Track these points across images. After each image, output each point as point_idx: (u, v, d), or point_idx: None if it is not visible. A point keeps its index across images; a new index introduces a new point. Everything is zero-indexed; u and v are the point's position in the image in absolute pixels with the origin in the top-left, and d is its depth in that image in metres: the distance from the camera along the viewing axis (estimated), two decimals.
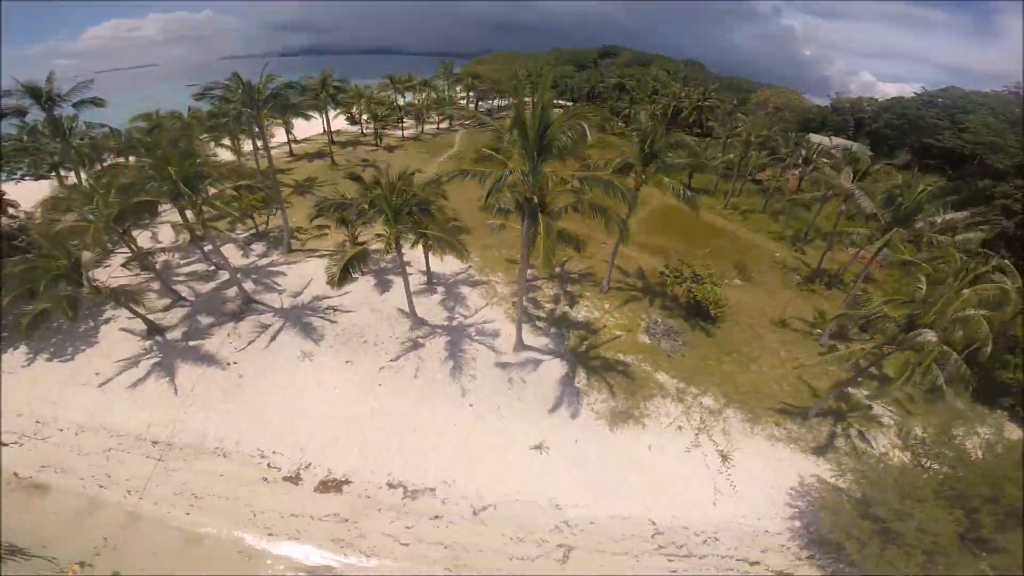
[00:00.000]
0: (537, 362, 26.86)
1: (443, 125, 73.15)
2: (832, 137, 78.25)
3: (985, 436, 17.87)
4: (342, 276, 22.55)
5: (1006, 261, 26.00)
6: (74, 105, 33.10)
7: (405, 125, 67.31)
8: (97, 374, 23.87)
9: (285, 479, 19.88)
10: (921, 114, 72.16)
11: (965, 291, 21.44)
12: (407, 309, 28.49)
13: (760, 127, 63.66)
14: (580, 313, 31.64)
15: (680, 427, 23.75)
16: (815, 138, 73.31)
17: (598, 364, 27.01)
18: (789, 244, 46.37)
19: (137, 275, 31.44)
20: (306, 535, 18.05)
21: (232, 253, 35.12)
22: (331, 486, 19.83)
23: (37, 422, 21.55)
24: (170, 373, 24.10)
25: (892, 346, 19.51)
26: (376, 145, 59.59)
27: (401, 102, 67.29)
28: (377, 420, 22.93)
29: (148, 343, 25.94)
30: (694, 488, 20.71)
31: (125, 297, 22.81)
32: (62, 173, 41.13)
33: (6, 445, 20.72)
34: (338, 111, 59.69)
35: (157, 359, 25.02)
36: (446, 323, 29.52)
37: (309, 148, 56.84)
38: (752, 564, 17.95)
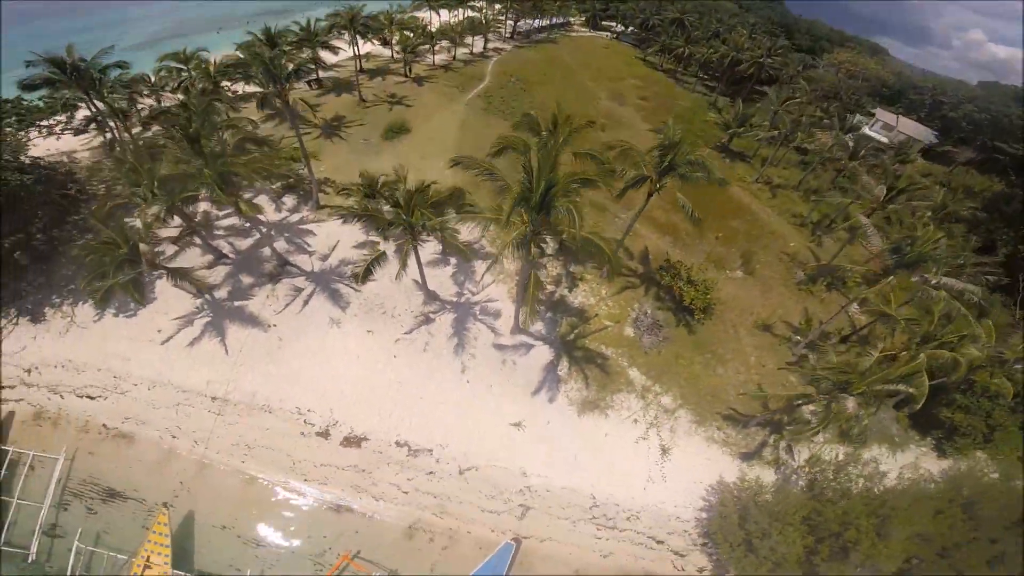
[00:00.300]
0: (529, 347, 32.05)
1: (476, 50, 71.07)
2: (900, 116, 73.19)
3: (871, 476, 22.80)
4: (365, 274, 27.31)
5: (988, 322, 28.49)
6: (100, 71, 36.15)
7: (437, 50, 66.09)
8: (159, 331, 30.30)
9: (317, 434, 26.74)
10: (1008, 112, 66.65)
11: (921, 355, 24.91)
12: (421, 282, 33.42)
13: (817, 103, 60.94)
14: (577, 298, 35.93)
15: (636, 420, 29.34)
16: (881, 114, 68.89)
17: (581, 355, 32.06)
18: (809, 231, 47.74)
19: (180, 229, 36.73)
20: (332, 481, 25.22)
21: (266, 204, 39.67)
22: (353, 442, 26.71)
23: (115, 377, 28.38)
24: (220, 333, 30.39)
25: (827, 396, 23.79)
26: (406, 76, 59.77)
27: (436, 22, 65.31)
28: (392, 389, 29.08)
29: (199, 301, 32.10)
30: (633, 474, 26.83)
31: (179, 276, 28.22)
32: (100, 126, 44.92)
33: (92, 399, 27.91)
34: (369, 37, 59.50)
35: (208, 318, 31.24)
36: (455, 299, 34.46)
37: (337, 75, 57.84)
38: (658, 543, 24.55)
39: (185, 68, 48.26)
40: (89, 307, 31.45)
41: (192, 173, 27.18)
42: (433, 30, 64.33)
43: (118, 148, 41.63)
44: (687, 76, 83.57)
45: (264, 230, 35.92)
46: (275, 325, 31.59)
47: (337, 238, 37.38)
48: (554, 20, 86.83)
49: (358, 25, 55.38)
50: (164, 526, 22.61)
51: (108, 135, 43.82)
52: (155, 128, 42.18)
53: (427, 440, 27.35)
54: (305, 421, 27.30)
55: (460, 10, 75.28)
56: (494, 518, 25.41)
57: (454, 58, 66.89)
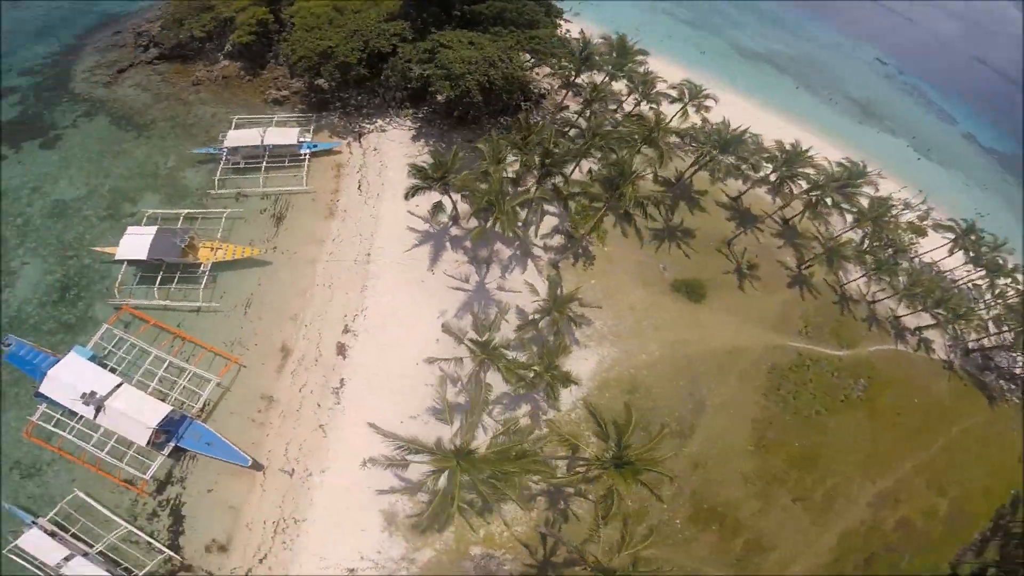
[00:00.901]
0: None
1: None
2: None
3: None
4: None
5: None
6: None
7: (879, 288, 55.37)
8: (417, 206, 48.59)
9: (344, 328, 42.91)
10: None
11: None
12: None
13: None
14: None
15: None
16: None
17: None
18: None
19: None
20: (305, 341, 42.24)
21: (546, 225, 51.59)
22: (341, 350, 41.90)
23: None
24: (421, 241, 48.03)
25: None
26: (798, 266, 55.20)
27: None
28: (397, 376, 41.02)
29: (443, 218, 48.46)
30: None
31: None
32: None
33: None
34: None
35: (430, 229, 48.85)
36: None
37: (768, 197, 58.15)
38: None
39: (683, 101, 57.98)
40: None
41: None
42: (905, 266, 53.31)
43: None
44: None
45: (517, 238, 47.83)
46: (432, 273, 46.83)
47: (519, 296, 45.68)
48: None
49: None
50: (245, 251, 43.69)
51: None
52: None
53: (351, 401, 39.70)
54: (355, 315, 43.60)
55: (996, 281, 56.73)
56: (314, 442, 37.73)
57: (870, 302, 55.46)
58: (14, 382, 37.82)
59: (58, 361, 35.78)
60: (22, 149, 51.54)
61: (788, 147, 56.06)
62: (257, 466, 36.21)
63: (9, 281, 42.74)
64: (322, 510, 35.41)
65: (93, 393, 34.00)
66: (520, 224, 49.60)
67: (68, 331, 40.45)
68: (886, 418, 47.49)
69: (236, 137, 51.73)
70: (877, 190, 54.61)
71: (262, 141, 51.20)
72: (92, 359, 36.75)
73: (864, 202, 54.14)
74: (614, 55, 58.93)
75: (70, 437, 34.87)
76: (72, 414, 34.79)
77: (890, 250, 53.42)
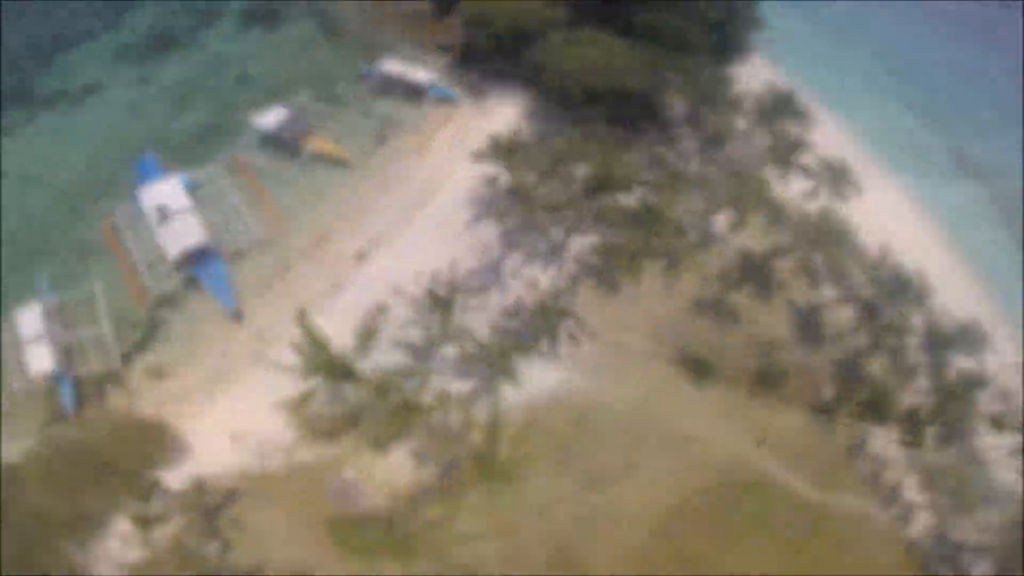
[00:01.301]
0: None
1: None
2: None
3: None
4: None
5: None
6: None
7: None
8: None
9: (372, 238, 49.88)
10: None
11: None
12: None
13: None
14: None
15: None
16: None
17: None
18: None
19: None
20: (342, 237, 49.93)
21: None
22: (360, 257, 48.94)
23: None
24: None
25: None
26: None
27: None
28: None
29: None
30: None
31: None
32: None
33: None
34: None
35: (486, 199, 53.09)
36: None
37: None
38: None
39: (816, 178, 52.49)
40: None
41: None
42: None
43: None
44: None
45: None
46: (467, 231, 51.64)
47: (524, 287, 48.98)
48: None
49: None
50: (340, 152, 53.02)
51: None
52: None
53: (337, 299, 46.37)
54: (388, 233, 50.55)
55: None
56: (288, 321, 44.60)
57: (881, 460, 44.27)
58: (129, 182, 48.81)
59: (164, 178, 45.90)
60: (250, 30, 68.14)
61: (909, 275, 47.51)
62: (238, 315, 41.78)
63: (179, 115, 58.89)
64: (254, 379, 39.89)
65: (167, 206, 42.37)
66: (553, 225, 51.51)
67: (191, 161, 52.75)
68: (798, 563, 40.24)
69: (389, 65, 61.31)
70: (980, 365, 43.61)
71: (405, 74, 59.92)
72: (187, 184, 46.50)
73: (953, 372, 43.82)
74: (769, 106, 55.17)
75: (129, 236, 42.61)
76: (143, 218, 42.91)
77: (944, 427, 42.79)
